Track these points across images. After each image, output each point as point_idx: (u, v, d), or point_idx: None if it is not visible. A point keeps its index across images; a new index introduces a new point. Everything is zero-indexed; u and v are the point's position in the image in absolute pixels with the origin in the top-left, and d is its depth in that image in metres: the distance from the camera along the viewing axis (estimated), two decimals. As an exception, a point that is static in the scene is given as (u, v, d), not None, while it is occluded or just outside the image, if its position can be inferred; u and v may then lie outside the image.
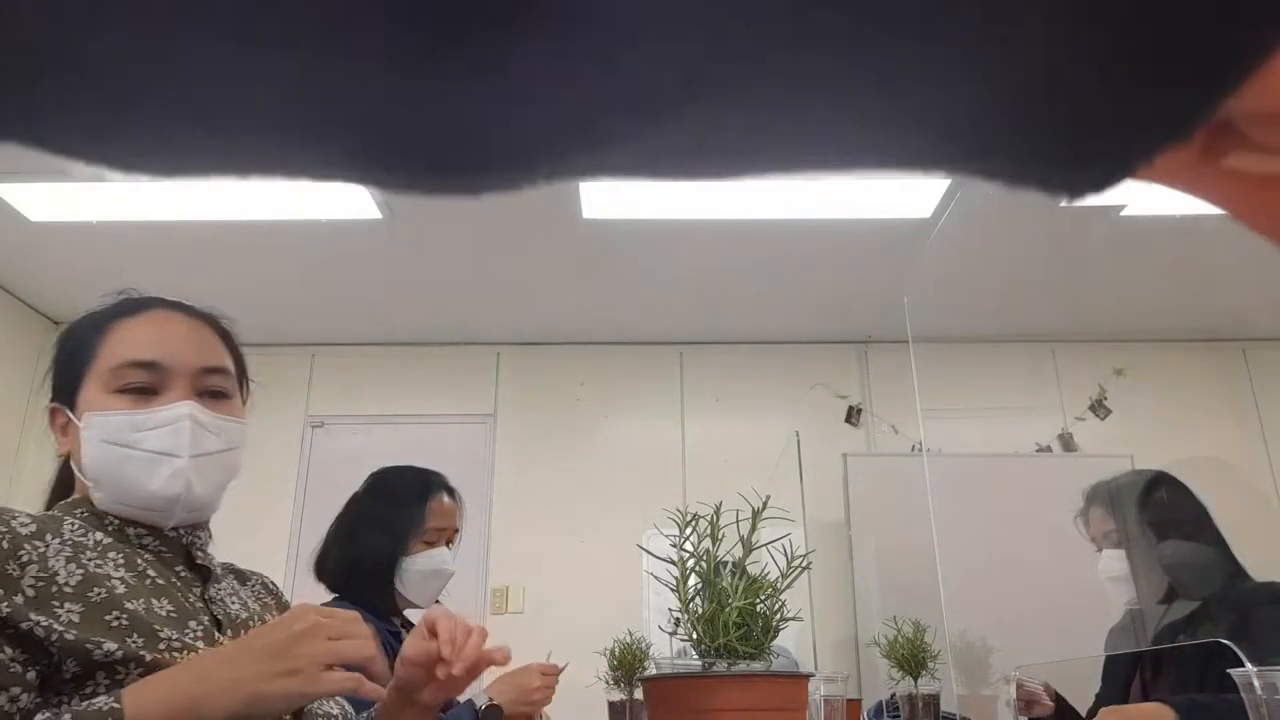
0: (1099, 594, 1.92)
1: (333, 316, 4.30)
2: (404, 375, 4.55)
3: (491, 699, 1.58)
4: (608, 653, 1.89)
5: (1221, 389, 4.57)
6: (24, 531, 0.83)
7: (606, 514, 4.35)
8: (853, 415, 4.61)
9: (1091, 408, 4.55)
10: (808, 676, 1.12)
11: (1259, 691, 0.88)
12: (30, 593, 0.79)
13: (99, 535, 0.90)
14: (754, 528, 1.12)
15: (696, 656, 1.06)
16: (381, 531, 1.76)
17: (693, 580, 1.10)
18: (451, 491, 1.88)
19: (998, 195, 2.92)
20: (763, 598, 1.07)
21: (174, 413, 0.94)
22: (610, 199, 3.36)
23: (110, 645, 0.79)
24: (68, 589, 0.81)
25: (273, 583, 1.15)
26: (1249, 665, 0.90)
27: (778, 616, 1.08)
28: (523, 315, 4.46)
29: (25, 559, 0.81)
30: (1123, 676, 1.91)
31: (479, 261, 3.89)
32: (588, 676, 1.88)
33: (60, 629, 0.78)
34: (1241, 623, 1.62)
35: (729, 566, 1.10)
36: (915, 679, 1.83)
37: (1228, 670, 0.93)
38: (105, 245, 3.72)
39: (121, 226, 3.53)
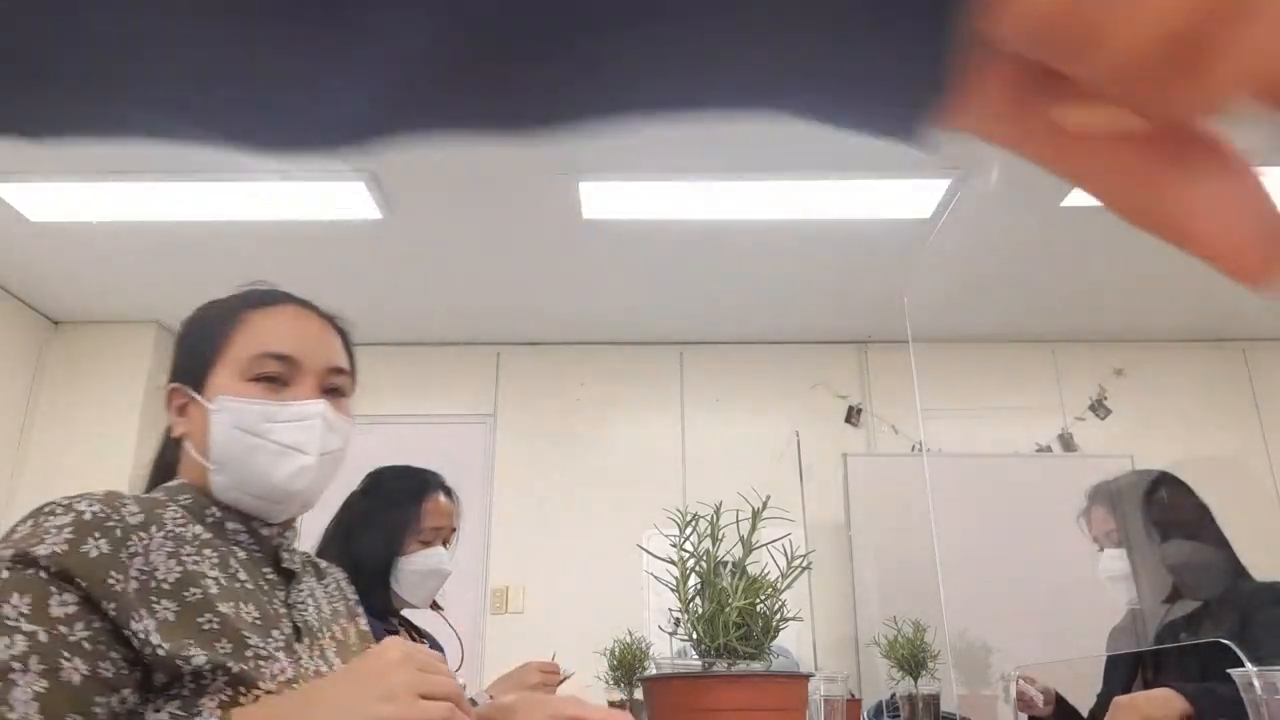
0: (1099, 594, 1.92)
1: (333, 316, 4.30)
2: (404, 375, 4.55)
3: (492, 697, 1.59)
4: (608, 653, 1.89)
5: (1221, 389, 4.57)
6: (133, 521, 0.83)
7: (606, 514, 4.35)
8: (853, 415, 4.61)
9: (1091, 408, 4.55)
10: (808, 676, 1.12)
11: (1259, 691, 0.88)
12: (134, 585, 0.80)
13: (198, 529, 0.91)
14: (754, 528, 1.12)
15: (696, 656, 1.06)
16: (377, 531, 1.76)
17: (693, 580, 1.10)
18: (448, 490, 1.87)
19: (997, 195, 2.92)
20: (763, 598, 1.07)
21: (308, 409, 0.97)
22: (610, 199, 3.36)
23: (199, 659, 0.80)
24: (165, 586, 0.82)
25: (346, 579, 1.16)
26: (1249, 665, 0.90)
27: (778, 616, 1.08)
28: (523, 315, 4.46)
29: (133, 550, 0.82)
30: (1124, 676, 1.91)
31: (479, 261, 3.89)
32: (588, 676, 1.88)
33: (155, 641, 0.79)
34: (1243, 623, 1.62)
35: (729, 566, 1.10)
36: (915, 679, 1.83)
37: (1228, 670, 0.93)
38: (105, 245, 3.72)
39: (121, 226, 3.53)
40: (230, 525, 0.94)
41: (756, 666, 1.04)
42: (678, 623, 1.10)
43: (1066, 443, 4.48)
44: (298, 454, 0.95)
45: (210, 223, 3.51)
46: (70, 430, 4.27)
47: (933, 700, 1.83)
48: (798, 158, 3.11)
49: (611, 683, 1.87)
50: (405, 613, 1.84)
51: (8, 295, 4.12)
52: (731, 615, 1.04)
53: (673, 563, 1.12)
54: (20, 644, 0.72)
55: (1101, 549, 1.91)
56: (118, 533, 0.81)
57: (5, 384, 4.18)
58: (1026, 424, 4.49)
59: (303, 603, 0.98)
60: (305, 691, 0.83)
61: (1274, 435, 4.47)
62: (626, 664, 1.85)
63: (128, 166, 3.14)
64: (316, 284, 4.28)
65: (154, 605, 0.81)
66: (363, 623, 1.10)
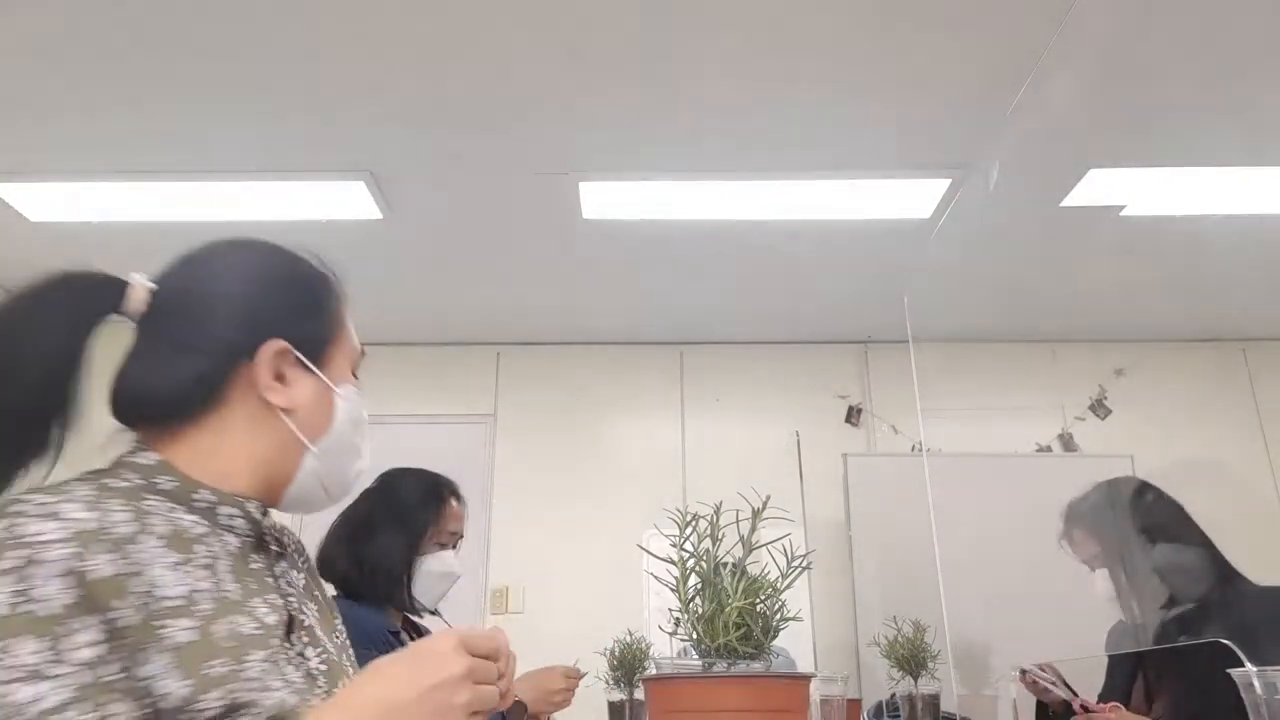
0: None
1: (333, 316, 4.30)
2: (404, 375, 4.55)
3: (515, 696, 1.60)
4: (608, 653, 1.89)
5: (1221, 389, 4.57)
6: (126, 531, 0.70)
7: (606, 514, 4.35)
8: (853, 415, 4.61)
9: (1091, 408, 4.55)
10: (809, 677, 1.12)
11: (1259, 691, 0.88)
12: (136, 620, 0.66)
13: (185, 520, 0.77)
14: (754, 528, 1.12)
15: (697, 656, 1.06)
16: (398, 531, 1.77)
17: (692, 580, 1.10)
18: (460, 497, 1.90)
19: (998, 195, 2.92)
20: (763, 598, 1.07)
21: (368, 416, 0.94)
22: (610, 199, 3.36)
23: (212, 709, 0.67)
24: (168, 603, 0.69)
25: (299, 541, 1.00)
26: (1249, 665, 0.90)
27: (778, 616, 1.08)
28: (523, 315, 4.46)
29: (128, 570, 0.68)
30: (1125, 677, 1.91)
31: (479, 261, 3.89)
32: (588, 677, 1.88)
33: (160, 693, 0.65)
34: (1245, 627, 1.61)
35: (729, 566, 1.09)
36: (915, 679, 1.83)
37: (1228, 670, 0.93)
38: (105, 245, 3.71)
39: (121, 226, 3.53)
40: (224, 509, 0.81)
41: (756, 666, 1.04)
42: (678, 623, 1.10)
43: (1066, 443, 4.48)
44: (361, 460, 0.92)
45: (210, 223, 3.51)
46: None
47: (933, 700, 1.83)
48: (798, 158, 3.11)
49: (611, 683, 1.87)
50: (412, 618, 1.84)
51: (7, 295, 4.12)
52: (731, 615, 1.04)
53: (673, 563, 1.12)
54: (54, 695, 0.60)
55: (1092, 570, 1.90)
56: (111, 545, 0.68)
57: (5, 384, 4.17)
58: (1026, 424, 4.49)
59: (288, 583, 0.87)
60: (369, 690, 0.67)
61: (1274, 435, 4.47)
62: (626, 664, 1.85)
63: (128, 166, 3.14)
64: (316, 284, 4.16)
65: (160, 632, 0.67)
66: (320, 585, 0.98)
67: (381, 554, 1.74)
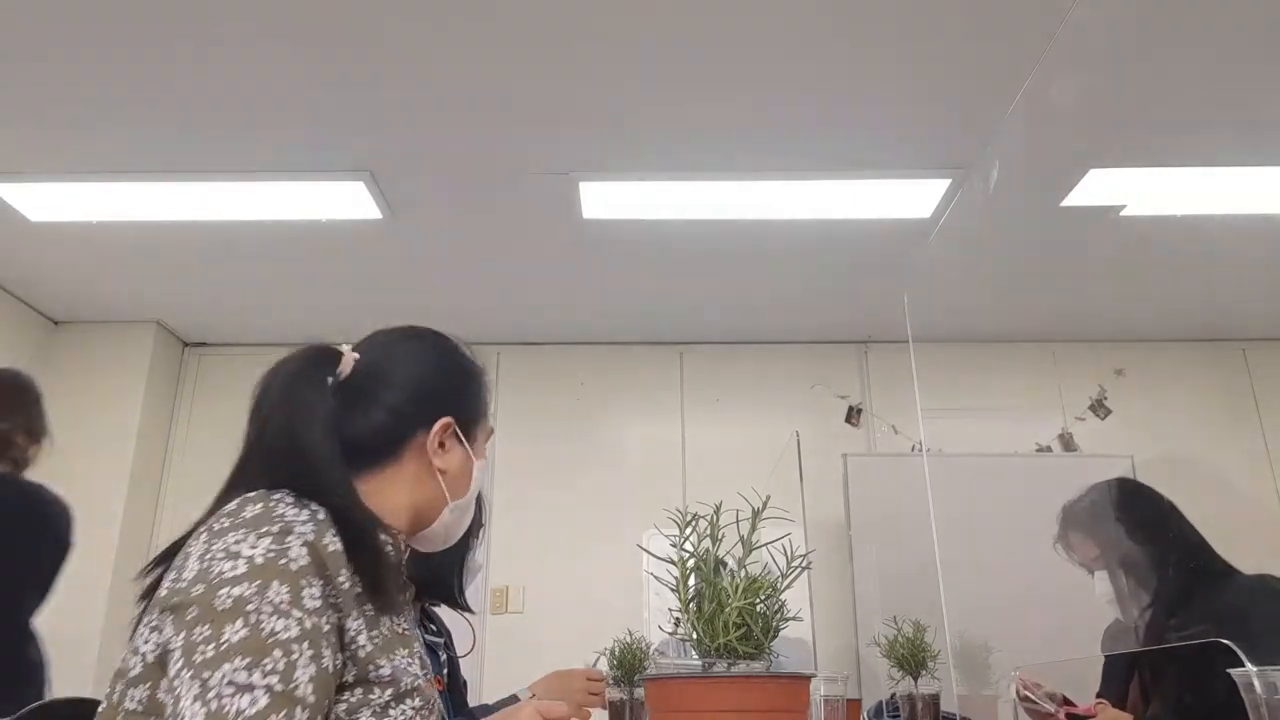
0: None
1: (332, 316, 4.30)
2: (404, 375, 4.55)
3: (534, 696, 1.63)
4: (608, 653, 1.89)
5: (1221, 389, 4.57)
6: (334, 550, 0.88)
7: (606, 514, 4.35)
8: (853, 415, 4.61)
9: (1091, 408, 4.55)
10: (809, 677, 1.12)
11: (1259, 691, 0.88)
12: (350, 586, 0.88)
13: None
14: (754, 528, 1.12)
15: (696, 655, 1.06)
16: None
17: (692, 580, 1.10)
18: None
19: (997, 195, 2.92)
20: (763, 598, 1.07)
21: None
22: (610, 199, 3.36)
23: (385, 669, 0.88)
24: (358, 589, 0.89)
25: None
26: (1249, 665, 0.90)
27: (778, 616, 1.08)
28: (523, 315, 4.46)
29: (340, 556, 0.88)
30: (1122, 676, 1.90)
31: (479, 261, 3.89)
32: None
33: (360, 642, 0.87)
34: (1237, 620, 1.61)
35: (729, 567, 1.09)
36: (915, 679, 1.83)
37: (1228, 670, 0.93)
38: (105, 245, 3.72)
39: (121, 226, 3.53)
40: (383, 537, 0.98)
41: (756, 667, 1.04)
42: (678, 622, 1.10)
43: (1066, 443, 4.48)
44: (470, 520, 1.16)
45: (210, 223, 3.51)
46: (70, 430, 4.27)
47: (933, 700, 1.83)
48: (798, 158, 3.11)
49: (612, 683, 1.87)
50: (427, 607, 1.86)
51: (8, 295, 4.12)
52: (731, 615, 1.04)
53: (673, 563, 1.12)
54: (294, 628, 0.79)
55: (1092, 573, 1.90)
56: (332, 534, 0.88)
57: (5, 384, 4.17)
58: (1026, 424, 4.49)
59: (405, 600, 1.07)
60: None
61: (1274, 435, 4.47)
62: (626, 664, 1.85)
63: (128, 166, 3.14)
64: (316, 284, 4.29)
65: (364, 607, 0.88)
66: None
67: (444, 554, 1.76)
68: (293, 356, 1.03)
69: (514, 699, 1.65)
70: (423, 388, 1.08)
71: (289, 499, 0.88)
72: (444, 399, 1.08)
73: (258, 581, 0.80)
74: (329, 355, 1.06)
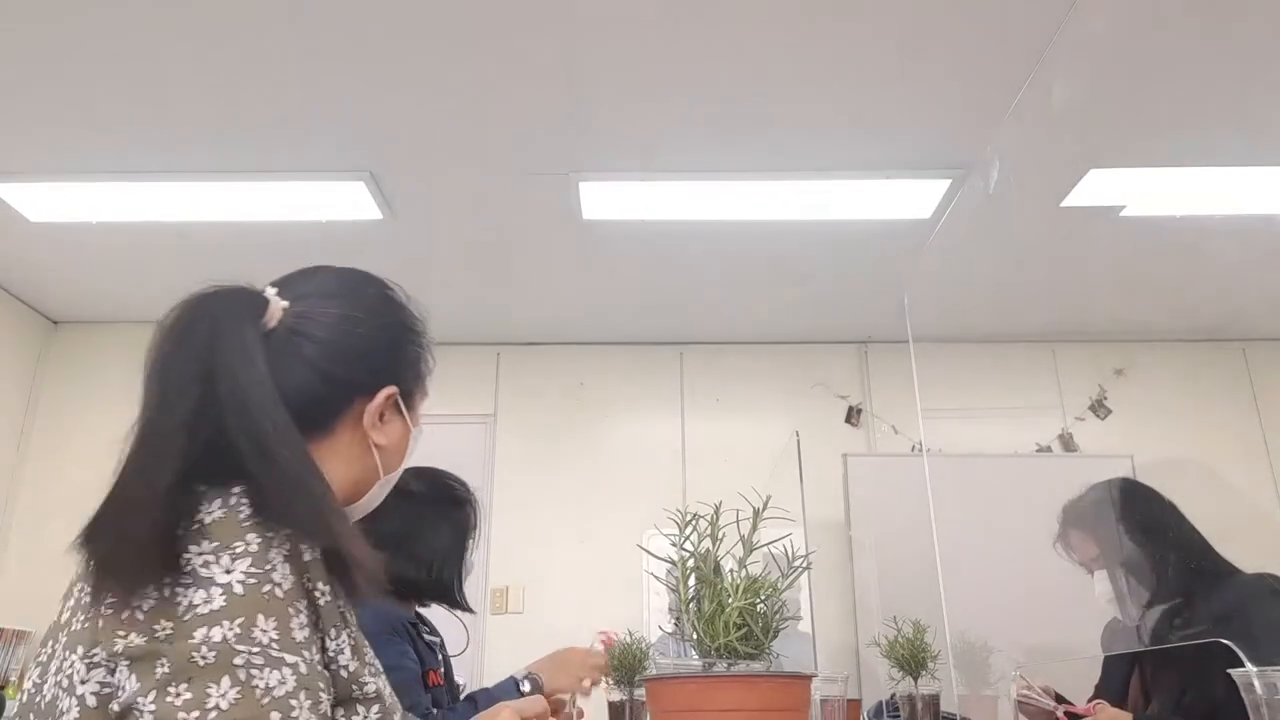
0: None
1: (333, 316, 4.30)
2: (404, 375, 4.55)
3: (530, 674, 1.65)
4: (607, 653, 1.89)
5: (1221, 389, 4.57)
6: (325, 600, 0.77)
7: (606, 514, 4.35)
8: (853, 415, 4.61)
9: (1091, 408, 4.55)
10: (809, 677, 1.12)
11: (1259, 691, 0.88)
12: (326, 597, 0.76)
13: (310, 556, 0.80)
14: (754, 528, 1.12)
15: (696, 655, 1.06)
16: (449, 528, 1.80)
17: (692, 580, 1.10)
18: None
19: (997, 195, 2.92)
20: (763, 598, 1.07)
21: None
22: (610, 199, 3.36)
23: (370, 685, 0.78)
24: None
25: None
26: (1249, 665, 0.90)
27: (778, 616, 1.08)
28: (523, 315, 4.46)
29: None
30: (1121, 675, 1.90)
31: (479, 261, 3.89)
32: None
33: (342, 661, 0.76)
34: (1235, 619, 1.61)
35: (729, 567, 1.09)
36: (915, 679, 1.83)
37: (1228, 670, 0.93)
38: (105, 245, 3.72)
39: (121, 226, 3.53)
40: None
41: (756, 666, 1.04)
42: (678, 622, 1.10)
43: (1066, 443, 4.48)
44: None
45: (210, 223, 3.51)
46: (70, 430, 4.27)
47: (933, 700, 1.82)
48: (798, 158, 3.11)
49: (611, 683, 1.86)
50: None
51: (8, 295, 4.12)
52: (731, 615, 1.04)
53: (673, 563, 1.12)
54: (290, 679, 0.67)
55: (1091, 573, 1.90)
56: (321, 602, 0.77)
57: (5, 384, 4.17)
58: (1026, 424, 4.49)
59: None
60: None
61: (1274, 435, 4.46)
62: (626, 664, 1.85)
63: (128, 166, 3.14)
64: (316, 284, 4.15)
65: (336, 618, 0.75)
66: None
67: (439, 549, 1.76)
68: (214, 296, 0.86)
69: (511, 681, 1.65)
70: (362, 349, 0.91)
71: (249, 498, 0.74)
72: (385, 363, 0.93)
73: (240, 619, 0.67)
74: (257, 300, 0.89)
